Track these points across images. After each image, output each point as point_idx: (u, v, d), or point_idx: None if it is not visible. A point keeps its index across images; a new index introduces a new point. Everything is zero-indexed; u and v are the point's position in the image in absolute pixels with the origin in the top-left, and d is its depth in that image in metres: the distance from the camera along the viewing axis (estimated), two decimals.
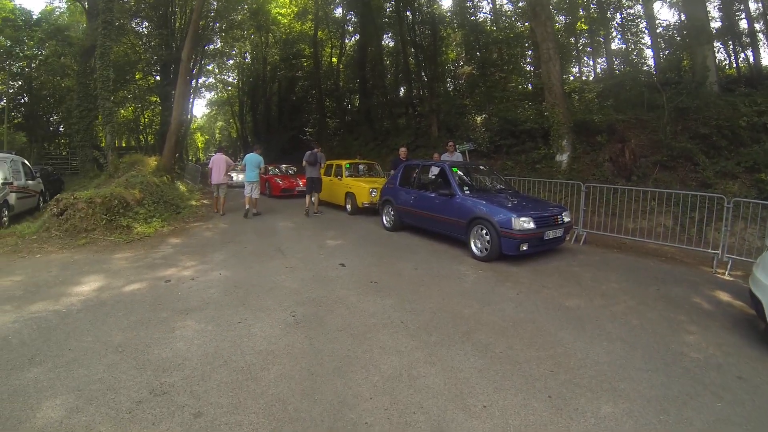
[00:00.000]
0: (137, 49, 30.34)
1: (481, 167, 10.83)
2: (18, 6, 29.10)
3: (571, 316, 5.13)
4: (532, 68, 23.88)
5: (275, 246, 8.76)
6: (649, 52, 21.60)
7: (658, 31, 20.18)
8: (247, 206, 12.74)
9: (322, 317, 4.96)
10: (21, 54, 27.94)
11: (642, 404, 3.35)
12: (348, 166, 14.19)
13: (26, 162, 14.40)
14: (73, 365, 3.77)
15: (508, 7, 25.77)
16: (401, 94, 29.68)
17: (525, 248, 7.36)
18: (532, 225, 7.36)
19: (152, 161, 16.70)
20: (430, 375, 3.72)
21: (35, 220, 10.78)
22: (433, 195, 9.15)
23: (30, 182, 13.68)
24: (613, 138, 12.99)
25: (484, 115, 20.56)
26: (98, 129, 19.53)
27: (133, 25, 29.72)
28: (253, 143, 43.00)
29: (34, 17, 28.80)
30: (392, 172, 12.11)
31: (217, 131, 76.34)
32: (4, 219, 11.14)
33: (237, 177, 20.23)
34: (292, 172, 20.75)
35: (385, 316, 5.02)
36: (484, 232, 7.68)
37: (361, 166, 15.11)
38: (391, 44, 29.69)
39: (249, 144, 45.87)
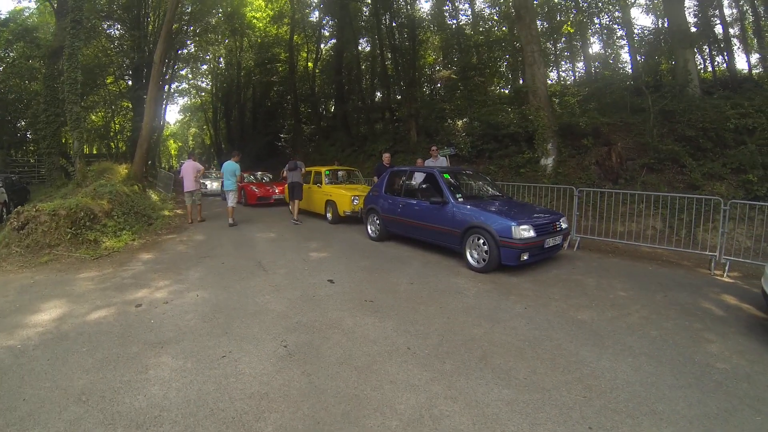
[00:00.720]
0: (108, 52, 29.33)
1: (470, 172, 10.44)
2: None
3: (587, 330, 4.85)
4: (509, 72, 23.99)
5: (255, 260, 8.20)
6: (625, 57, 21.96)
7: (635, 36, 20.41)
8: (230, 218, 12.43)
9: (318, 346, 4.43)
10: None
11: (686, 426, 3.12)
12: (328, 173, 13.69)
13: None
14: (28, 422, 3.16)
15: (487, 10, 25.67)
16: (378, 98, 29.35)
17: (526, 258, 7.03)
18: (532, 233, 7.03)
19: (122, 169, 15.96)
20: (455, 413, 3.25)
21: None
22: (423, 203, 8.77)
23: None
24: (598, 141, 12.96)
25: (464, 120, 20.24)
26: (66, 135, 18.65)
27: (105, 27, 28.94)
28: (227, 150, 42.51)
29: (1, 17, 27.93)
30: (375, 179, 11.91)
31: (191, 138, 75.15)
32: None
33: (211, 185, 19.54)
34: (268, 179, 20.17)
35: (388, 341, 4.54)
36: (482, 241, 7.30)
37: (340, 173, 14.62)
38: (368, 48, 29.44)
39: (223, 151, 45.43)
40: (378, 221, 10.08)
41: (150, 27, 28.24)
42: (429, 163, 11.83)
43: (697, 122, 11.89)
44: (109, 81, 31.29)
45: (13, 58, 28.14)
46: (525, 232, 6.95)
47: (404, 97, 23.16)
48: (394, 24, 24.14)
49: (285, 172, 13.21)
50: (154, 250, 9.14)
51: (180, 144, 78.73)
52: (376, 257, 8.51)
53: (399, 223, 9.40)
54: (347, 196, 12.03)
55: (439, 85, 25.30)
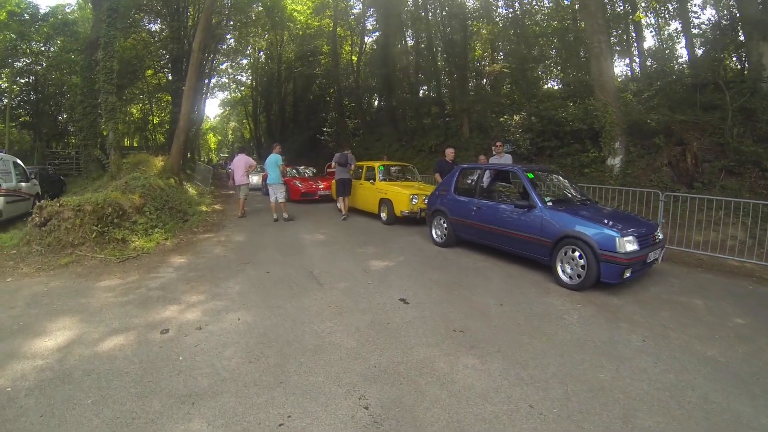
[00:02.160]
0: (149, 46, 28.90)
1: (549, 172, 9.00)
2: None
3: (725, 372, 3.91)
4: (565, 65, 22.45)
5: (306, 269, 6.91)
6: (681, 51, 20.34)
7: (693, 29, 18.66)
8: (274, 214, 11.80)
9: (412, 407, 3.14)
10: (27, 50, 27.03)
11: None
12: (381, 168, 12.41)
13: (19, 162, 13.07)
14: None
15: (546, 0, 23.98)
16: (423, 93, 28.05)
17: (628, 275, 5.85)
18: (636, 246, 5.89)
19: (158, 161, 15.00)
20: None
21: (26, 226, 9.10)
22: (504, 206, 7.51)
23: (23, 184, 12.50)
24: (670, 141, 11.87)
25: (522, 114, 18.78)
26: (103, 126, 18.01)
27: (145, 23, 28.69)
28: (267, 144, 41.98)
29: (42, 12, 27.86)
30: (437, 176, 10.77)
31: (230, 132, 75.02)
32: None
33: (253, 179, 18.51)
34: (311, 174, 18.95)
35: (502, 396, 3.38)
36: (577, 254, 6.08)
37: (394, 169, 13.38)
38: (412, 42, 28.15)
39: (263, 144, 44.81)
40: (446, 225, 8.79)
41: (190, 22, 27.65)
42: (494, 160, 10.79)
43: None
44: (149, 74, 30.94)
45: (53, 52, 28.09)
46: (629, 244, 5.83)
47: (455, 90, 21.85)
48: (443, 14, 22.90)
49: (333, 165, 12.47)
50: (188, 253, 7.96)
51: (219, 138, 78.94)
52: (449, 268, 7.19)
53: (472, 227, 8.10)
54: (405, 195, 10.75)
55: (485, 81, 23.83)
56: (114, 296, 5.52)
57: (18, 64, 27.81)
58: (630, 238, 5.85)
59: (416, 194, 10.69)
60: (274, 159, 11.62)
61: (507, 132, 17.81)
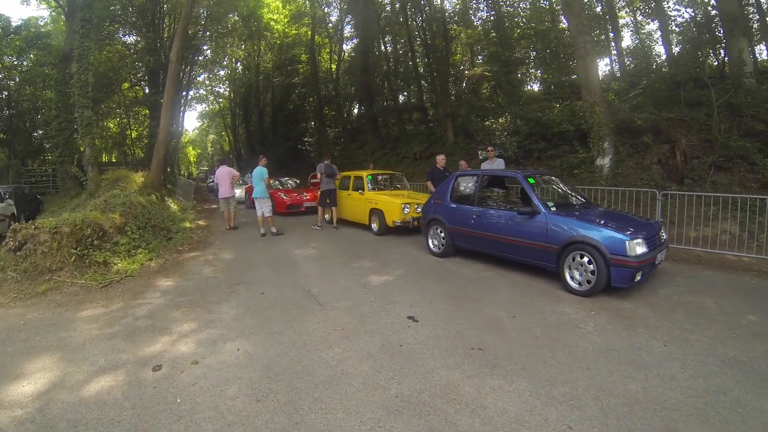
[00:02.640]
0: (125, 58, 28.21)
1: (547, 175, 8.75)
2: None
3: (752, 372, 3.82)
4: (539, 69, 22.70)
5: (302, 288, 6.50)
6: (659, 49, 20.89)
7: (672, 27, 19.16)
8: (261, 229, 11.31)
9: None
10: None
11: None
12: (370, 177, 12.02)
13: None
14: None
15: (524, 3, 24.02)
16: (404, 99, 28.09)
17: (639, 278, 5.74)
18: (645, 248, 5.73)
19: (138, 177, 14.46)
20: None
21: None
22: (504, 213, 7.29)
23: None
24: (658, 139, 11.87)
25: (506, 118, 18.69)
26: (80, 142, 17.39)
27: (120, 36, 28.16)
28: (246, 155, 41.53)
29: (14, 24, 27.07)
30: (429, 184, 10.61)
31: (209, 145, 74.27)
32: None
33: (235, 192, 18.03)
34: (294, 185, 18.52)
35: (537, 418, 3.15)
36: (586, 260, 5.87)
37: (382, 177, 13.01)
38: (391, 47, 28.01)
39: (242, 156, 44.47)
40: (443, 234, 8.46)
41: (165, 33, 27.13)
42: (486, 165, 10.72)
43: (765, 115, 10.99)
44: (125, 87, 30.26)
45: (27, 66, 27.32)
46: (639, 247, 5.66)
47: (438, 95, 21.71)
48: (422, 18, 22.77)
49: (319, 176, 12.08)
50: (174, 274, 7.49)
51: (199, 151, 78.04)
52: (451, 280, 6.86)
53: (472, 236, 7.79)
54: (397, 204, 10.40)
55: (464, 85, 23.77)
56: (98, 328, 5.06)
57: None
58: (639, 240, 5.67)
59: (408, 203, 10.36)
60: (260, 172, 11.27)
61: (492, 136, 17.65)
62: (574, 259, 6.02)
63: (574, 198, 7.69)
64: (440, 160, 10.86)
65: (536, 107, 16.62)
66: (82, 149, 16.66)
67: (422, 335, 4.65)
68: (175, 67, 15.90)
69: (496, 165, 10.61)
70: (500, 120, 19.05)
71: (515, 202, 7.58)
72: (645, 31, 22.60)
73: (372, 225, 11.17)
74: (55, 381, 3.84)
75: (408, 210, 10.30)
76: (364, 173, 12.15)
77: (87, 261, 7.40)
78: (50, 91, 22.95)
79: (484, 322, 4.97)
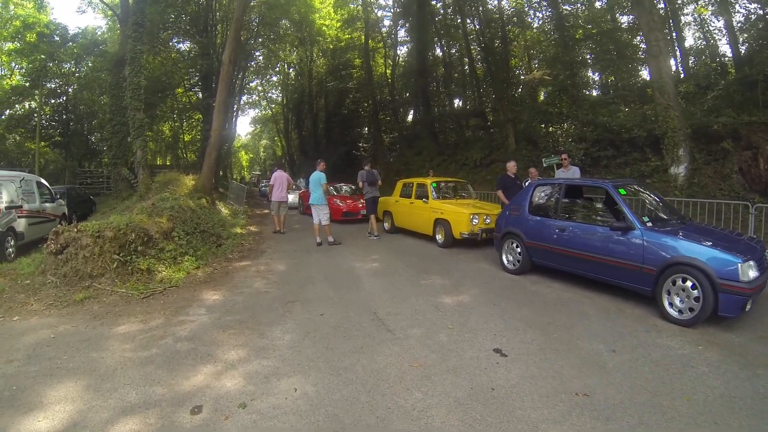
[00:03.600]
0: (178, 63, 28.53)
1: (635, 186, 7.71)
2: (53, 20, 28.63)
3: None
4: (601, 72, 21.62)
5: (368, 309, 5.66)
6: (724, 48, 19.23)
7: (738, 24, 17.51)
8: (317, 237, 10.52)
9: None
10: (57, 70, 27.33)
11: None
12: (435, 185, 11.11)
13: (43, 181, 12.49)
14: None
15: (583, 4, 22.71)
16: (461, 104, 27.27)
17: (749, 307, 4.89)
18: (756, 272, 4.90)
19: (189, 180, 14.02)
20: None
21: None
22: (594, 228, 6.40)
23: (48, 205, 11.92)
24: (738, 145, 11.08)
25: (569, 123, 17.71)
26: (131, 143, 17.45)
27: (174, 43, 28.64)
28: (299, 160, 41.42)
29: (71, 32, 28.34)
30: (499, 193, 9.70)
31: (262, 149, 74.76)
32: (10, 250, 9.41)
33: (289, 197, 17.50)
34: (350, 190, 17.73)
35: None
36: (690, 284, 5.01)
37: (445, 185, 12.09)
38: (440, 53, 27.37)
39: (295, 161, 44.39)
40: (519, 249, 7.54)
41: (218, 39, 27.24)
42: (560, 174, 9.98)
43: None
44: (179, 92, 30.63)
45: (84, 72, 28.27)
46: (751, 271, 4.84)
47: (497, 100, 20.73)
48: (478, 20, 21.98)
49: (360, 184, 11.80)
50: (222, 287, 6.77)
51: (251, 155, 78.76)
52: (533, 302, 5.93)
53: (554, 253, 6.84)
54: (465, 215, 9.48)
55: (520, 89, 22.68)
56: (133, 349, 4.36)
57: (50, 85, 27.92)
58: (751, 263, 4.83)
59: (476, 213, 9.48)
60: (318, 177, 10.54)
61: (557, 143, 16.96)
62: (674, 283, 5.16)
63: (667, 212, 6.71)
64: (511, 167, 9.97)
65: (605, 112, 15.72)
66: (134, 151, 16.55)
67: (515, 375, 3.81)
68: (227, 69, 15.51)
69: (571, 173, 9.80)
70: (564, 126, 18.09)
71: (603, 216, 6.67)
72: (710, 28, 20.97)
73: (437, 236, 10.27)
74: (76, 418, 3.16)
75: (477, 221, 9.41)
76: (428, 180, 11.26)
77: (129, 268, 6.81)
78: (106, 96, 23.44)
79: (581, 359, 4.15)
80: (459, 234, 9.51)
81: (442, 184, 11.85)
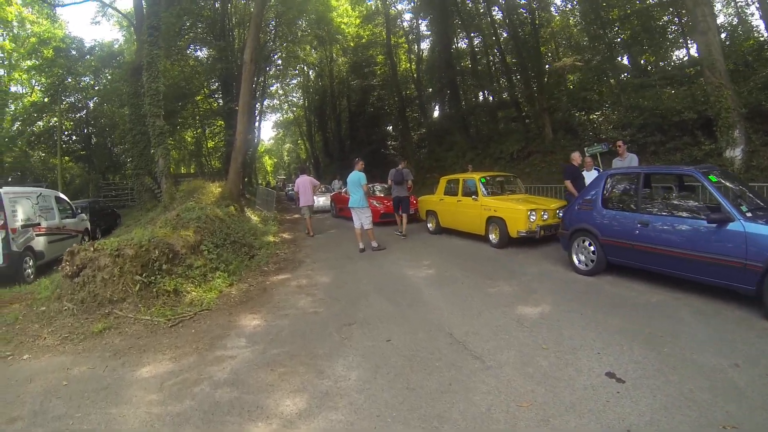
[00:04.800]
0: (196, 68, 28.15)
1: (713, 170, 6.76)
2: (69, 34, 28.85)
3: None
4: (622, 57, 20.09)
5: (439, 328, 4.69)
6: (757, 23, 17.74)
7: None
8: (360, 243, 9.62)
9: None
10: (75, 84, 27.62)
11: None
12: (484, 180, 10.14)
13: (62, 196, 12.05)
14: None
15: None
16: (488, 94, 26.18)
17: None
18: None
19: (215, 188, 13.23)
20: None
21: None
22: (682, 221, 5.67)
23: (68, 220, 11.43)
24: None
25: (608, 109, 17.08)
26: (153, 152, 16.93)
27: (191, 50, 28.35)
28: (324, 163, 41.07)
29: (87, 45, 28.59)
30: (568, 184, 8.92)
31: (285, 153, 74.51)
32: (29, 271, 8.97)
33: (318, 200, 16.65)
34: (384, 190, 16.72)
35: None
36: None
37: (495, 180, 11.19)
38: (470, 41, 26.24)
39: (320, 164, 44.07)
40: (593, 248, 6.64)
41: (236, 44, 26.77)
42: (616, 163, 9.34)
43: None
44: (199, 99, 30.27)
45: (103, 85, 28.38)
46: None
47: (530, 89, 19.90)
48: (504, 8, 21.10)
49: (390, 182, 11.58)
50: (262, 308, 5.83)
51: (275, 160, 78.62)
52: (621, 308, 5.13)
53: (635, 250, 6.02)
54: (522, 211, 8.53)
55: (547, 77, 21.62)
56: (161, 401, 3.44)
57: (70, 99, 28.14)
58: None
59: (534, 210, 8.56)
60: (357, 177, 9.62)
61: (597, 130, 16.21)
62: None
63: (753, 199, 5.89)
64: (576, 157, 9.24)
65: (649, 95, 14.61)
66: (156, 159, 15.95)
67: (645, 407, 3.07)
68: (249, 68, 14.82)
69: (629, 161, 9.11)
70: (605, 112, 17.36)
71: (693, 207, 5.76)
72: (740, 3, 19.46)
73: (489, 236, 9.30)
74: None
75: (534, 217, 8.50)
76: (476, 176, 10.29)
77: (154, 290, 5.92)
78: (126, 107, 23.20)
79: (706, 378, 3.46)
80: (516, 233, 8.61)
81: (495, 178, 10.96)
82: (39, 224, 9.67)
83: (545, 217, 8.58)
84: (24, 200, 9.42)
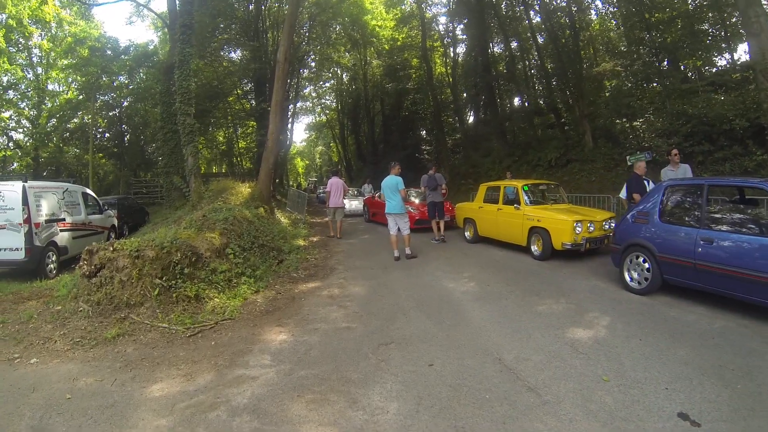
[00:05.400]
0: (229, 68, 28.16)
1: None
2: (104, 34, 29.36)
3: None
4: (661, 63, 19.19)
5: (486, 351, 4.17)
6: None
7: None
8: (395, 251, 9.11)
9: None
10: (110, 83, 27.92)
11: None
12: (527, 188, 9.59)
13: (89, 192, 11.88)
14: None
15: None
16: (525, 100, 25.81)
17: None
18: None
19: (245, 188, 12.89)
20: None
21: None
22: (757, 239, 5.01)
23: (94, 216, 11.27)
24: None
25: (655, 116, 16.07)
26: (183, 151, 16.80)
27: (225, 51, 28.48)
28: (357, 166, 41.06)
29: (122, 45, 28.99)
30: (622, 195, 8.28)
31: (317, 156, 74.71)
32: (51, 266, 8.85)
33: (349, 204, 16.25)
34: (417, 195, 16.20)
35: None
36: None
37: (537, 189, 10.62)
38: (507, 45, 25.70)
39: (352, 167, 43.85)
40: (648, 265, 6.03)
41: (270, 46, 26.67)
42: (669, 173, 8.46)
43: None
44: (231, 99, 30.33)
45: (137, 83, 28.71)
46: None
47: (570, 95, 19.29)
48: (543, 12, 20.48)
49: (423, 188, 11.64)
50: (290, 321, 5.35)
51: (307, 162, 78.85)
52: (685, 335, 4.55)
53: (697, 270, 5.39)
54: (568, 222, 7.98)
55: (584, 82, 21.00)
56: (170, 427, 3.01)
57: (104, 98, 28.45)
58: None
59: (580, 221, 7.99)
60: (394, 182, 9.16)
61: (640, 138, 15.77)
62: None
63: None
64: (641, 167, 8.36)
65: (697, 101, 13.85)
66: (186, 158, 15.77)
67: None
68: (282, 67, 14.43)
69: (682, 172, 8.35)
70: (650, 119, 16.46)
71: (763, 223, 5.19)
72: None
73: (532, 247, 8.73)
74: None
75: (580, 229, 7.92)
76: (518, 183, 9.69)
77: (174, 295, 5.53)
78: (159, 105, 23.32)
79: None
80: (560, 245, 8.04)
81: (537, 187, 10.41)
82: (64, 219, 9.50)
83: (591, 229, 8.06)
84: (49, 195, 9.27)
